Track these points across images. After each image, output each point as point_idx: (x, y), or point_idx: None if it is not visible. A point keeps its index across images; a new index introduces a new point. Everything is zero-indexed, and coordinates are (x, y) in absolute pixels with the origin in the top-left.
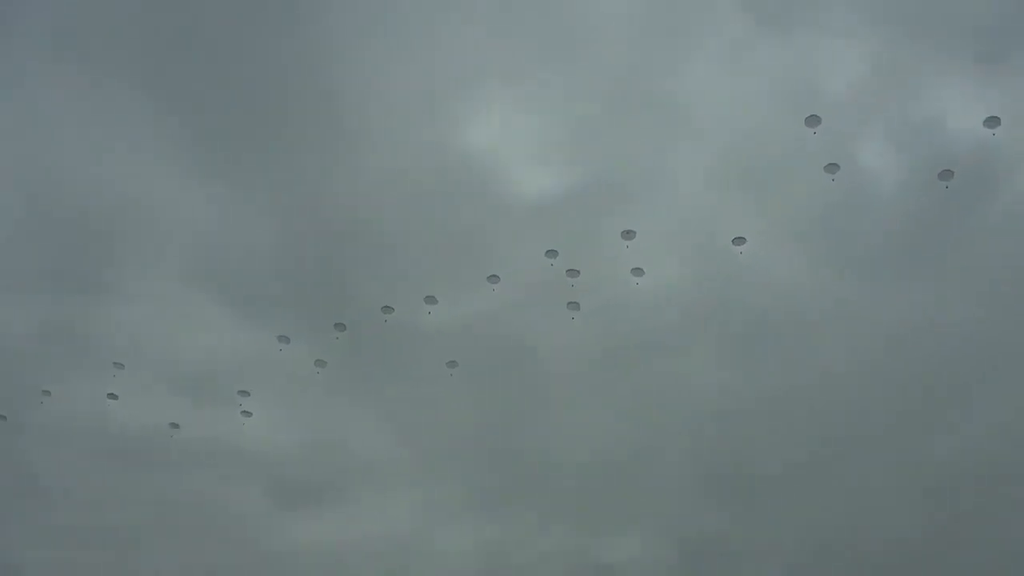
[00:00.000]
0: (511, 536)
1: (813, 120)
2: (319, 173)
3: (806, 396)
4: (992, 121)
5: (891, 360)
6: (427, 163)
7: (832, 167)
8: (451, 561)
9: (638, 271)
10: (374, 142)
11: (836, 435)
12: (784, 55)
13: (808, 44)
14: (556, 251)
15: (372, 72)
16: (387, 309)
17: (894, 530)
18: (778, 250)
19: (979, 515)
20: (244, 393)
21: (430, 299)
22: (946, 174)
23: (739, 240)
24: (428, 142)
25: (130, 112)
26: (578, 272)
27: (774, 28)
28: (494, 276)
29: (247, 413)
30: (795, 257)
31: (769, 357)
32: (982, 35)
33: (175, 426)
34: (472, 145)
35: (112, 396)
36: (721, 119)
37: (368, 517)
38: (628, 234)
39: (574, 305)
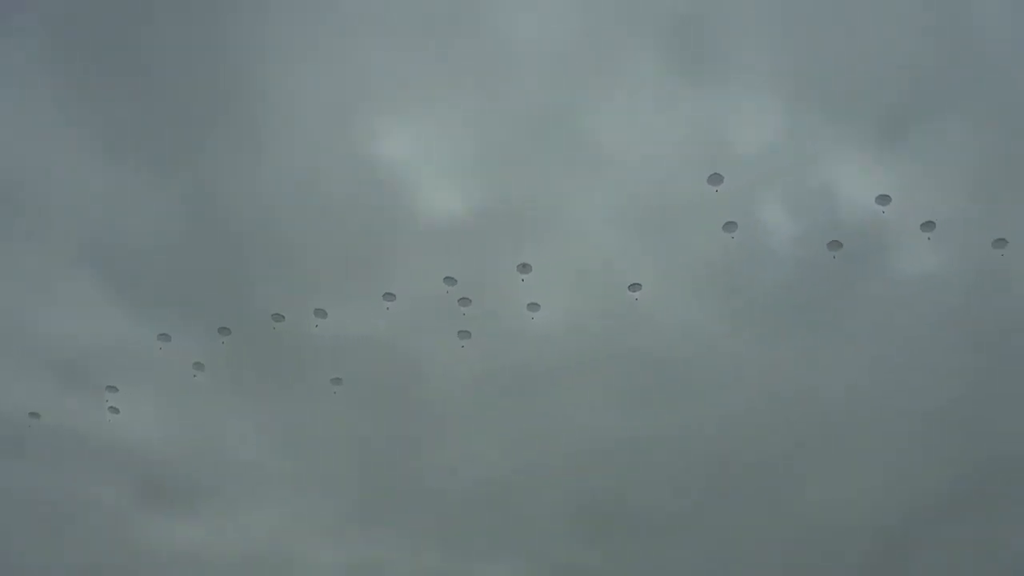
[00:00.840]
0: (384, 556)
1: (716, 179)
2: (225, 170)
3: (687, 442)
4: (883, 199)
5: (771, 414)
6: (336, 173)
7: (731, 225)
8: None
9: (534, 306)
10: (285, 145)
11: (712, 482)
12: (698, 109)
13: (722, 101)
14: (455, 279)
15: (290, 75)
16: (277, 317)
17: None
18: (674, 298)
19: (842, 570)
20: (112, 388)
21: (320, 312)
22: (834, 244)
23: (635, 286)
24: (339, 152)
25: (33, 87)
26: (470, 301)
27: (692, 81)
28: (390, 294)
29: (114, 409)
30: (690, 307)
31: (654, 402)
32: (887, 112)
33: (35, 415)
34: (383, 160)
35: None
36: (631, 163)
37: (238, 525)
38: (524, 268)
39: (465, 334)
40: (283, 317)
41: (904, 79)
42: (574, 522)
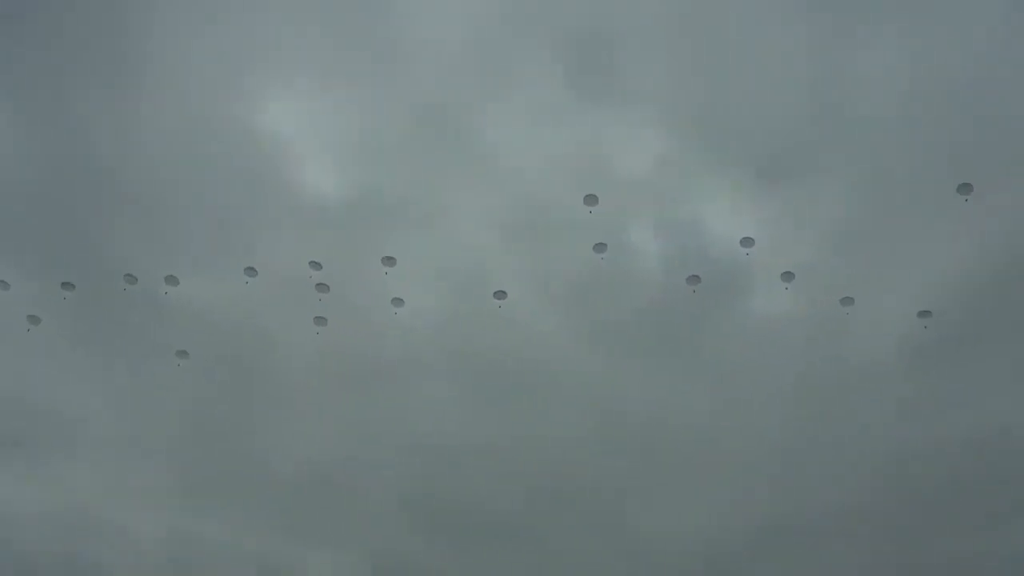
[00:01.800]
0: (205, 531)
1: (591, 199)
2: (97, 118)
3: (528, 452)
4: (748, 241)
5: (615, 435)
6: (215, 137)
7: (601, 246)
8: (139, 546)
9: (398, 301)
10: (165, 101)
11: (548, 493)
12: (586, 126)
13: (610, 122)
14: (320, 264)
15: (181, 31)
16: (130, 278)
17: None
18: (536, 310)
19: None
20: None
21: (171, 279)
22: (693, 279)
23: (500, 294)
24: (221, 116)
25: None
26: (328, 288)
27: (584, 97)
28: (252, 269)
29: None
30: (551, 320)
31: (503, 408)
32: (765, 158)
33: None
34: (266, 131)
35: None
36: (513, 170)
37: (55, 484)
38: (389, 261)
39: (321, 320)
40: (136, 279)
41: (785, 129)
42: (406, 516)
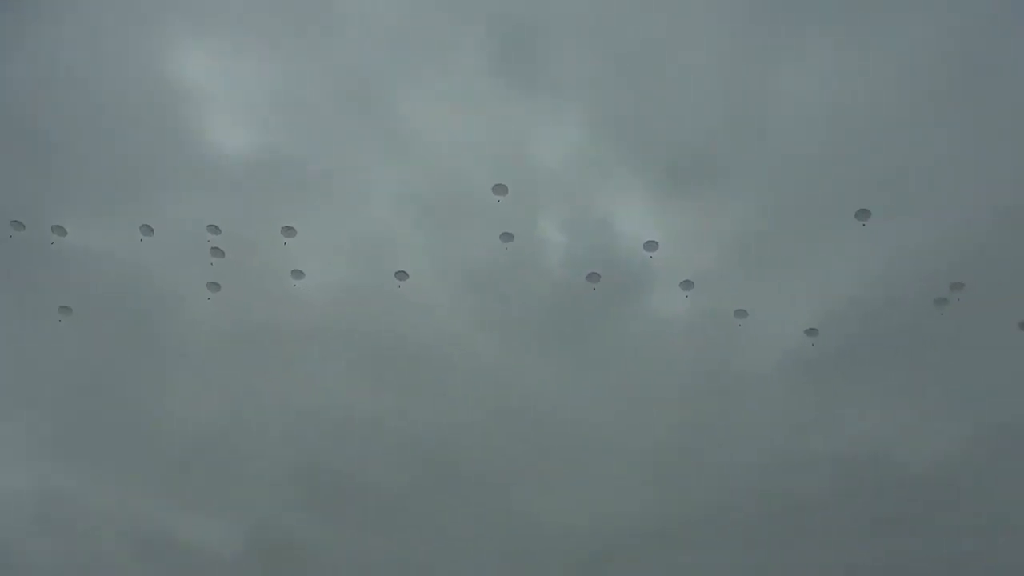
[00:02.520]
0: (81, 491)
1: (500, 189)
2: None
3: (418, 433)
4: (651, 245)
5: (506, 423)
6: (120, 80)
7: (507, 236)
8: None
9: (298, 273)
10: (69, 29)
11: (434, 473)
12: (506, 113)
13: (529, 111)
14: (219, 227)
15: None
16: (16, 225)
17: (463, 572)
18: (438, 293)
19: (544, 573)
20: None
21: (58, 229)
22: (593, 276)
23: (402, 274)
24: (130, 58)
25: None
26: (223, 253)
27: (507, 84)
28: (147, 227)
29: None
30: (452, 305)
31: (396, 388)
32: (679, 164)
33: None
34: (177, 80)
35: None
36: (428, 150)
37: None
38: (288, 231)
39: (214, 286)
40: (24, 226)
41: (701, 136)
42: (289, 489)
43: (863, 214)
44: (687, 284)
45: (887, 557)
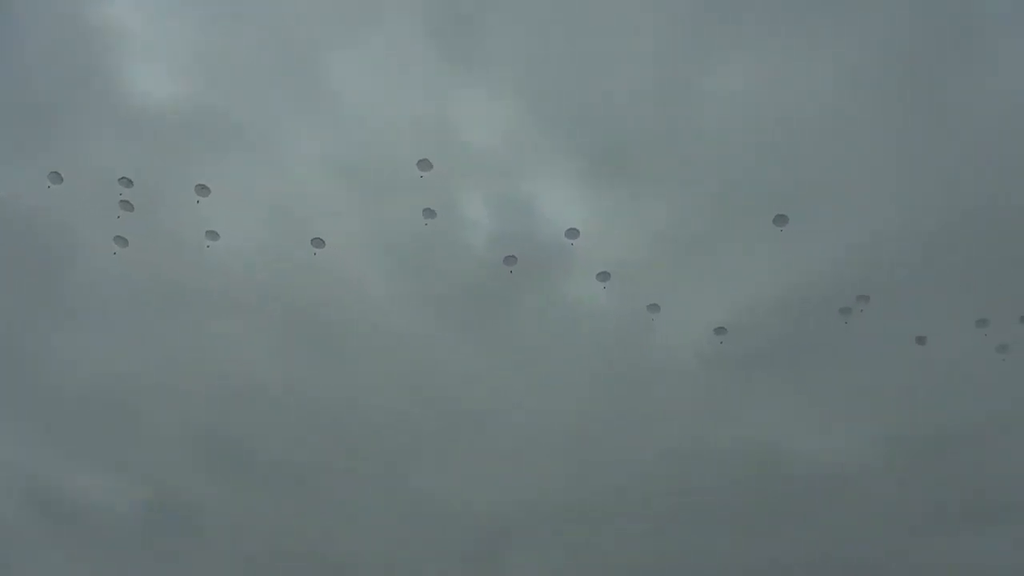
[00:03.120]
0: None
1: (425, 165)
2: None
3: (325, 400)
4: (573, 232)
5: (413, 398)
6: (38, 11)
7: (429, 212)
8: None
9: (213, 234)
10: None
11: (337, 443)
12: (439, 86)
13: (463, 87)
14: (131, 180)
15: None
16: None
17: (360, 545)
18: (354, 263)
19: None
20: None
21: None
22: (510, 260)
23: (318, 242)
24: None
25: None
26: (133, 207)
27: (443, 58)
28: (56, 174)
29: None
30: (368, 276)
31: (305, 355)
32: (605, 155)
33: None
34: (101, 23)
35: None
36: (357, 117)
37: None
38: (202, 190)
39: (121, 240)
40: None
41: (630, 129)
42: (189, 449)
43: (781, 220)
44: (604, 275)
45: (775, 549)
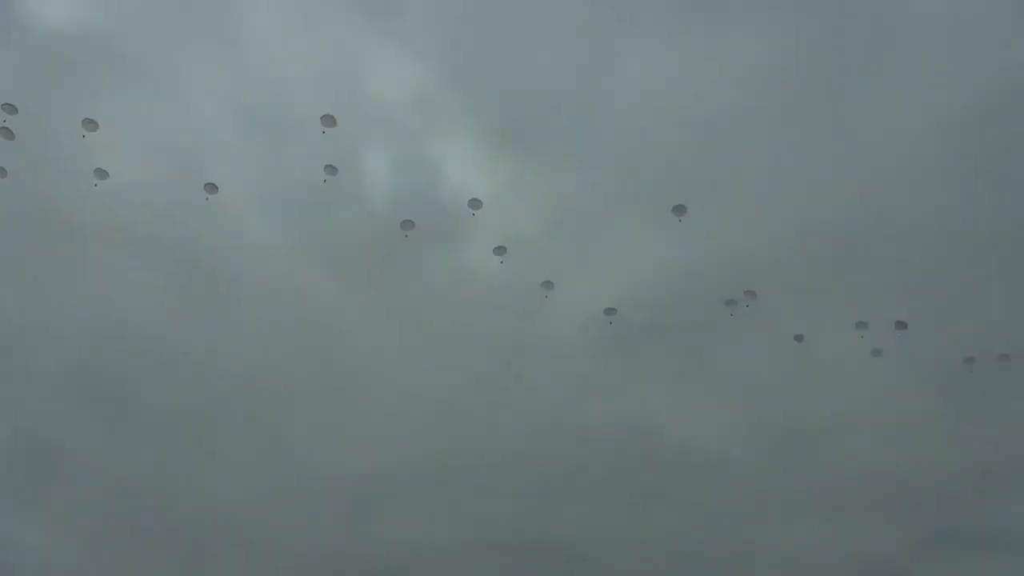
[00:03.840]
0: None
1: (328, 120)
2: None
3: (208, 349)
4: (475, 203)
5: (302, 350)
6: None
7: (331, 168)
8: None
9: (101, 172)
10: None
11: (216, 393)
12: (354, 41)
13: (378, 46)
14: (15, 107)
15: None
16: None
17: (227, 497)
18: (247, 211)
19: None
20: None
21: None
22: (407, 224)
23: (211, 187)
24: None
25: None
26: (14, 135)
27: (360, 10)
28: None
29: None
30: (262, 225)
31: (193, 300)
32: (517, 126)
33: None
34: None
35: None
36: (265, 61)
37: None
38: (90, 123)
39: (1, 171)
40: None
41: (541, 104)
42: (63, 390)
43: (680, 209)
44: (501, 250)
45: (647, 524)
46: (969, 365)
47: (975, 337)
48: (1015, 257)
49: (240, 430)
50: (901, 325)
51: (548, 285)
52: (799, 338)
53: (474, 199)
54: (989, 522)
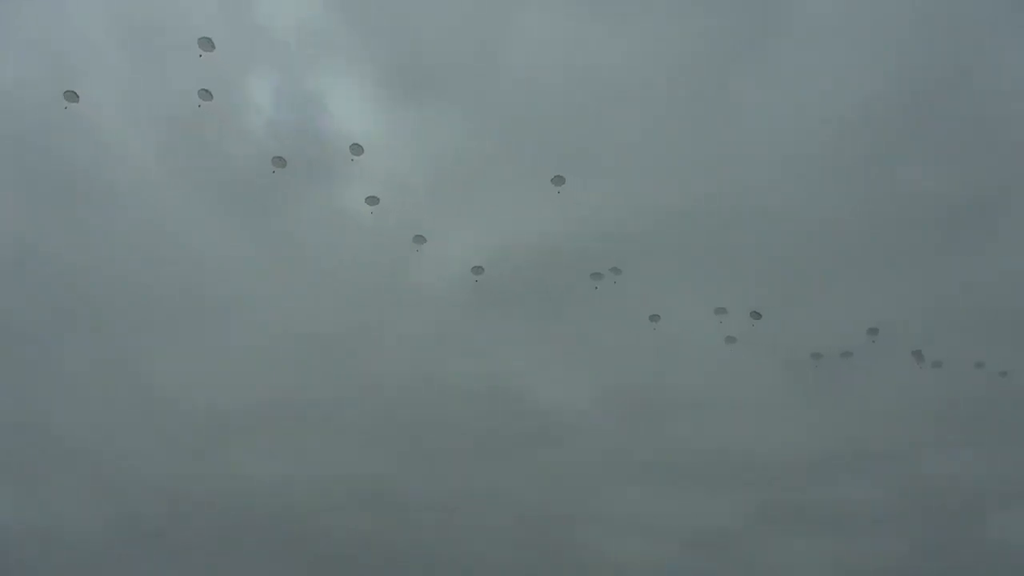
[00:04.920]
0: None
1: (206, 43)
2: None
3: (60, 263)
4: (356, 148)
5: (158, 274)
6: None
7: (205, 93)
8: None
9: None
10: None
11: (68, 310)
12: None
13: None
14: None
15: None
16: None
17: (73, 419)
18: (128, 131)
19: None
20: None
21: None
22: (278, 161)
23: (71, 95)
24: None
25: None
26: None
27: None
28: None
29: None
30: (134, 143)
31: (49, 211)
32: (412, 68)
33: None
34: None
35: None
36: None
37: None
38: None
39: None
40: None
41: (438, 51)
42: None
43: (559, 180)
44: (372, 200)
45: (495, 479)
46: (815, 359)
47: (823, 333)
48: (871, 261)
49: (91, 349)
50: (756, 315)
51: (420, 239)
52: (655, 318)
53: (355, 144)
54: (817, 502)
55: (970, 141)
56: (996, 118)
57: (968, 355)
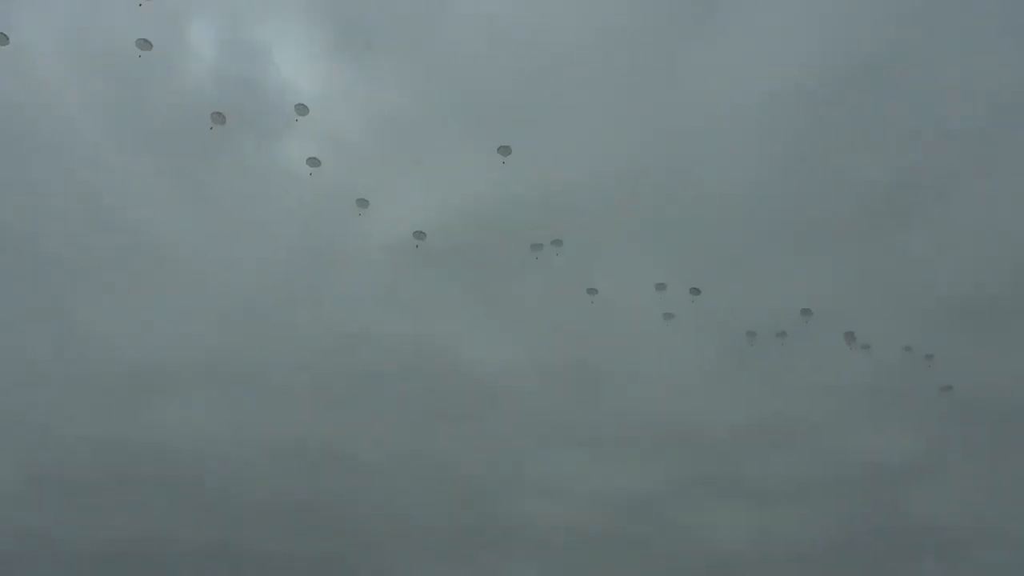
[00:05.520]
0: None
1: None
2: None
3: (34, 229)
4: (302, 108)
5: (92, 224)
6: None
7: (144, 43)
8: None
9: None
10: None
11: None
12: None
13: None
14: None
15: None
16: None
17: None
18: (53, 68)
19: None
20: None
21: None
22: (217, 117)
23: (3, 38)
24: None
25: None
26: None
27: None
28: None
29: None
30: (69, 87)
31: (11, 168)
32: (360, 24)
33: None
34: None
35: None
36: None
37: None
38: None
39: None
40: None
41: (383, 14)
42: None
43: (505, 150)
44: (313, 161)
45: (429, 441)
46: (750, 338)
47: (759, 311)
48: (807, 241)
49: (21, 299)
50: (695, 291)
51: (363, 203)
52: (592, 291)
53: (300, 104)
54: (747, 475)
55: (904, 128)
56: (930, 105)
57: (896, 339)
